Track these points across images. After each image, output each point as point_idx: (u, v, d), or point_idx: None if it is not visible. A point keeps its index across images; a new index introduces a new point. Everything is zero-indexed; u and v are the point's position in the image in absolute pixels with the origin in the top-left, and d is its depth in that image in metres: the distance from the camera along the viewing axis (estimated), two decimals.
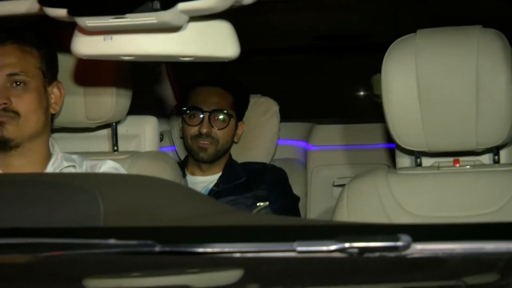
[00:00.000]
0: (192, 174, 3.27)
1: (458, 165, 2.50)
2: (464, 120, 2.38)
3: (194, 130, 3.19)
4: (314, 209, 3.64)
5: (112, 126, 2.81)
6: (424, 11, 3.14)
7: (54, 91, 2.48)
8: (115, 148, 2.81)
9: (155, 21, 1.62)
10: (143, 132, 2.92)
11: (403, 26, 2.51)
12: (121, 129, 2.85)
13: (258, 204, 2.39)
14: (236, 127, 3.28)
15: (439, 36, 2.44)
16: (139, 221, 1.53)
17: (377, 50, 2.61)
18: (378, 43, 2.71)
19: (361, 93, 5.08)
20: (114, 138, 2.81)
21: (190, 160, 3.28)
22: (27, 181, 1.78)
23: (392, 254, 1.30)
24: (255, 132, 3.46)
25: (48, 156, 2.46)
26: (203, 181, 3.23)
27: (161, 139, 3.37)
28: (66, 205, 1.60)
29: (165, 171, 2.68)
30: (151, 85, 3.75)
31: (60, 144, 2.53)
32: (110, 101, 2.69)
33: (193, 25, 1.72)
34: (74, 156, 2.51)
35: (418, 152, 2.53)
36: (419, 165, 2.55)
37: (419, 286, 1.27)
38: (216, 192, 3.14)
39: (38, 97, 2.40)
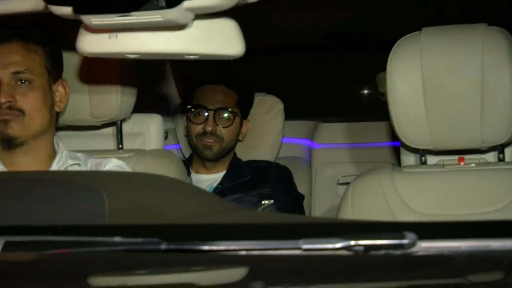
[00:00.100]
0: (197, 172, 3.27)
1: (463, 163, 2.50)
2: (469, 118, 2.38)
3: (199, 128, 3.19)
4: (318, 207, 3.64)
5: (117, 124, 2.81)
6: (427, 9, 3.13)
7: (59, 89, 2.49)
8: (120, 146, 2.81)
9: (161, 19, 1.62)
10: (148, 130, 2.92)
11: (406, 25, 2.50)
12: (126, 127, 2.85)
13: (263, 202, 2.39)
14: (240, 125, 3.28)
15: (444, 34, 2.43)
16: (144, 219, 1.53)
17: (381, 48, 2.61)
18: (382, 41, 2.71)
19: (365, 91, 5.07)
20: (119, 136, 2.81)
21: (195, 158, 3.28)
22: (32, 179, 1.78)
23: (398, 252, 1.30)
24: (260, 130, 3.46)
25: (53, 154, 2.46)
26: (208, 179, 3.23)
27: (165, 137, 3.37)
28: (71, 203, 1.60)
29: (170, 169, 2.68)
30: (155, 83, 3.75)
31: (65, 142, 2.54)
32: (115, 99, 2.70)
33: (198, 23, 1.72)
34: (79, 154, 2.52)
35: (423, 150, 2.52)
36: (424, 163, 2.55)
37: (425, 284, 1.27)
38: (220, 190, 3.14)
39: (43, 95, 2.40)
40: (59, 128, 2.71)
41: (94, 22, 1.66)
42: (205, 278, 1.35)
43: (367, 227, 1.47)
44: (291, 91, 4.25)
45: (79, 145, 2.72)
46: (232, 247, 1.35)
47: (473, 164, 2.49)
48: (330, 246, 1.30)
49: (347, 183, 2.62)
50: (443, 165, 2.50)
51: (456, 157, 2.52)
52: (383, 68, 2.45)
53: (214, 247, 1.34)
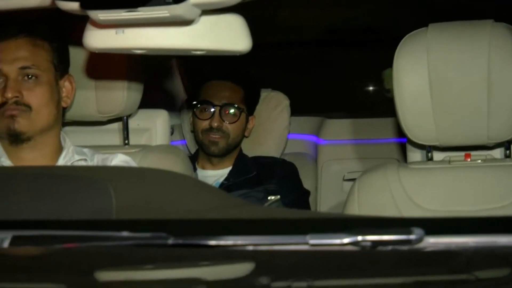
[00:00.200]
0: (203, 168, 3.27)
1: (469, 159, 2.50)
2: (475, 114, 2.38)
3: (205, 124, 3.18)
4: (324, 203, 3.64)
5: (123, 119, 2.81)
6: (433, 5, 3.13)
7: (65, 84, 2.49)
8: (126, 141, 2.82)
9: (167, 14, 1.62)
10: (154, 126, 2.93)
11: (411, 21, 2.50)
12: (132, 122, 2.86)
13: (269, 198, 2.39)
14: (246, 121, 3.28)
15: (451, 30, 2.43)
16: (151, 214, 1.53)
17: (387, 44, 2.61)
18: (388, 37, 2.70)
19: (371, 88, 5.06)
20: (125, 132, 2.82)
21: (201, 154, 3.28)
22: (38, 174, 1.78)
23: (405, 248, 1.30)
24: (266, 126, 3.46)
25: (60, 149, 2.47)
26: (214, 175, 3.24)
27: (171, 133, 3.37)
28: (78, 198, 1.60)
29: (176, 165, 2.68)
30: (162, 79, 3.75)
31: (71, 138, 2.54)
32: (122, 94, 2.70)
33: (205, 19, 1.72)
34: (85, 150, 2.52)
35: (429, 146, 2.52)
36: (430, 159, 2.55)
37: (432, 279, 1.27)
38: (226, 186, 3.14)
39: (49, 90, 2.41)
40: (65, 124, 2.72)
41: (101, 18, 1.66)
42: (212, 273, 1.35)
43: (374, 223, 1.47)
44: (297, 87, 4.25)
45: (85, 141, 2.72)
46: (239, 242, 1.35)
47: (479, 161, 2.49)
48: (337, 241, 1.30)
49: (353, 179, 2.62)
50: (449, 162, 2.50)
51: (462, 153, 2.52)
52: (389, 65, 2.45)
53: (221, 242, 1.34)
